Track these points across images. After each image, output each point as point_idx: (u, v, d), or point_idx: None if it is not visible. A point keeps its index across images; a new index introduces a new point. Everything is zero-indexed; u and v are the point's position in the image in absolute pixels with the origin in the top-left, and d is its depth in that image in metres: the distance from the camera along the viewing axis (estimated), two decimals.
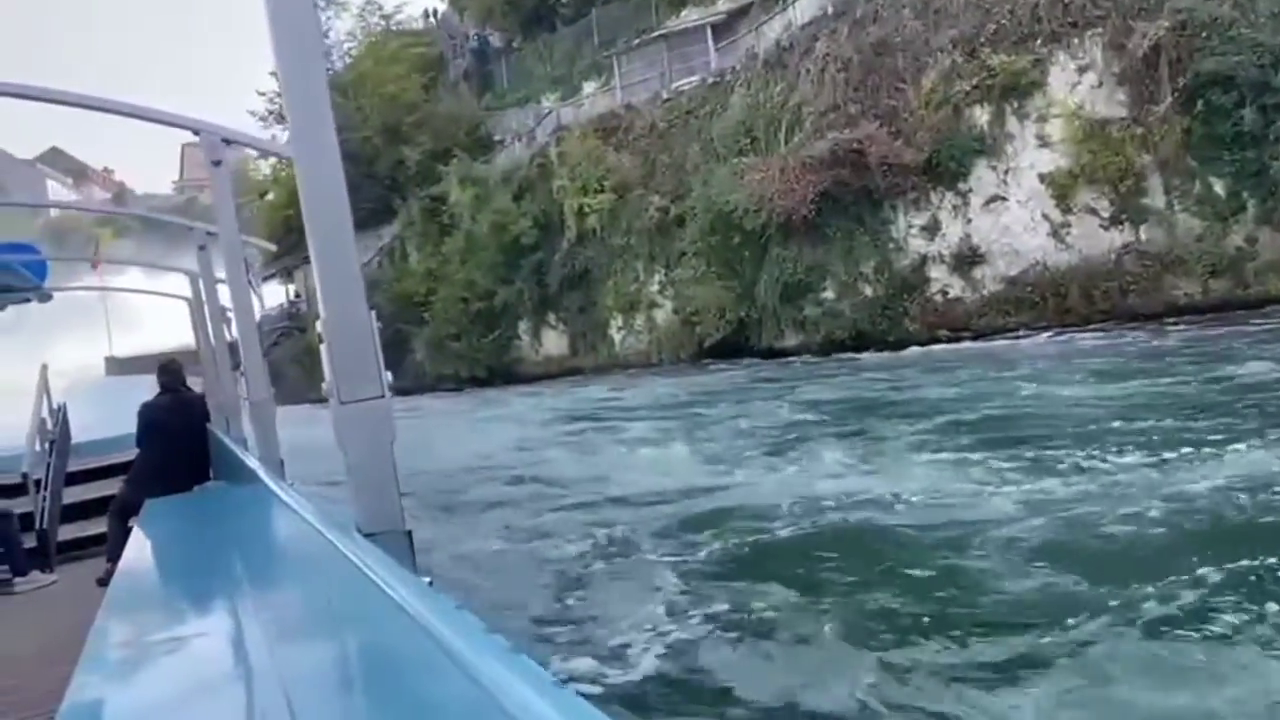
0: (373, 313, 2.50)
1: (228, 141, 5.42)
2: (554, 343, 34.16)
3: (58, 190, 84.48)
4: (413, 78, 42.02)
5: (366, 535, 2.36)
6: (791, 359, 24.45)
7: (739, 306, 26.33)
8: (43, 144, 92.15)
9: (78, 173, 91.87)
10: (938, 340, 22.91)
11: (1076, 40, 23.08)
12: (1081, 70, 23.07)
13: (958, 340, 22.58)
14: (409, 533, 2.48)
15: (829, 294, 25.04)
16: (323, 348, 2.48)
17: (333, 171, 2.44)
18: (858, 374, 20.10)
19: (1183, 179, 22.00)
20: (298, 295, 45.29)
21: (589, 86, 36.09)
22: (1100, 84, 22.87)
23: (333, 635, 1.97)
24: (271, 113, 45.31)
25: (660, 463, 13.06)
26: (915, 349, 22.31)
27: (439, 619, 1.50)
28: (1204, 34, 21.44)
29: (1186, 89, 21.50)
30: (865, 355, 22.88)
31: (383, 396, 2.46)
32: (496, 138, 39.38)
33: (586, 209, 31.57)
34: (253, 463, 5.08)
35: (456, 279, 35.48)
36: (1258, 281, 21.06)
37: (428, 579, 2.20)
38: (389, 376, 2.51)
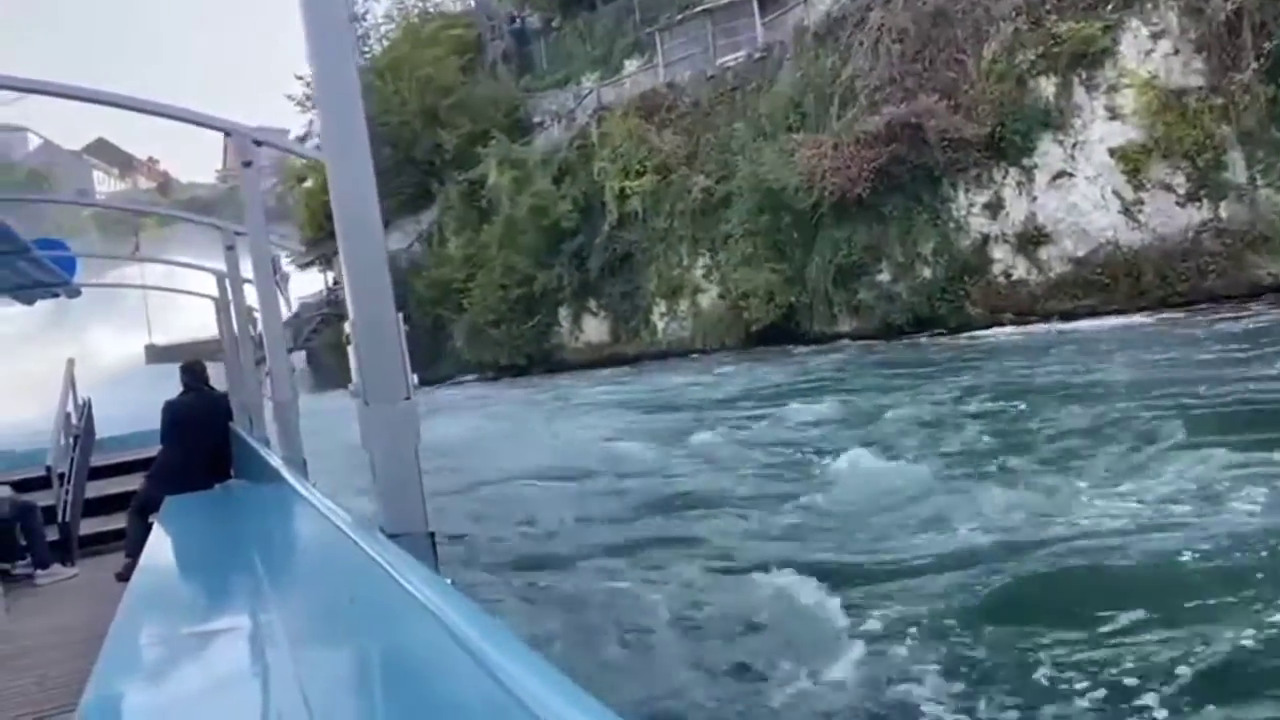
0: (400, 315, 2.49)
1: (259, 143, 5.44)
2: (594, 329, 33.28)
3: (104, 180, 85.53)
4: (450, 60, 41.22)
5: (390, 536, 2.32)
6: (846, 343, 23.34)
7: (789, 290, 25.27)
8: (89, 135, 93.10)
9: (123, 163, 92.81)
10: (1000, 324, 21.72)
11: (1150, 5, 21.69)
12: (1155, 37, 21.68)
13: (1025, 324, 21.35)
14: (432, 534, 2.47)
15: (884, 276, 23.91)
16: (350, 349, 2.49)
17: (364, 174, 2.43)
18: (967, 356, 18.24)
19: (1267, 151, 20.57)
20: (336, 282, 44.76)
21: (630, 65, 35.08)
22: (1176, 51, 21.48)
23: (353, 634, 1.99)
24: (310, 97, 44.82)
25: (896, 480, 9.55)
26: (996, 331, 21.06)
27: (462, 619, 1.48)
28: None
29: (1271, 55, 20.09)
30: (943, 339, 21.57)
31: (409, 398, 2.45)
32: (536, 120, 38.51)
33: (628, 191, 30.61)
34: (275, 462, 5.05)
35: (495, 264, 34.69)
36: None
37: (449, 580, 2.06)
38: (415, 378, 2.49)
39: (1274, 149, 20.52)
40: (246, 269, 6.73)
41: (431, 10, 46.28)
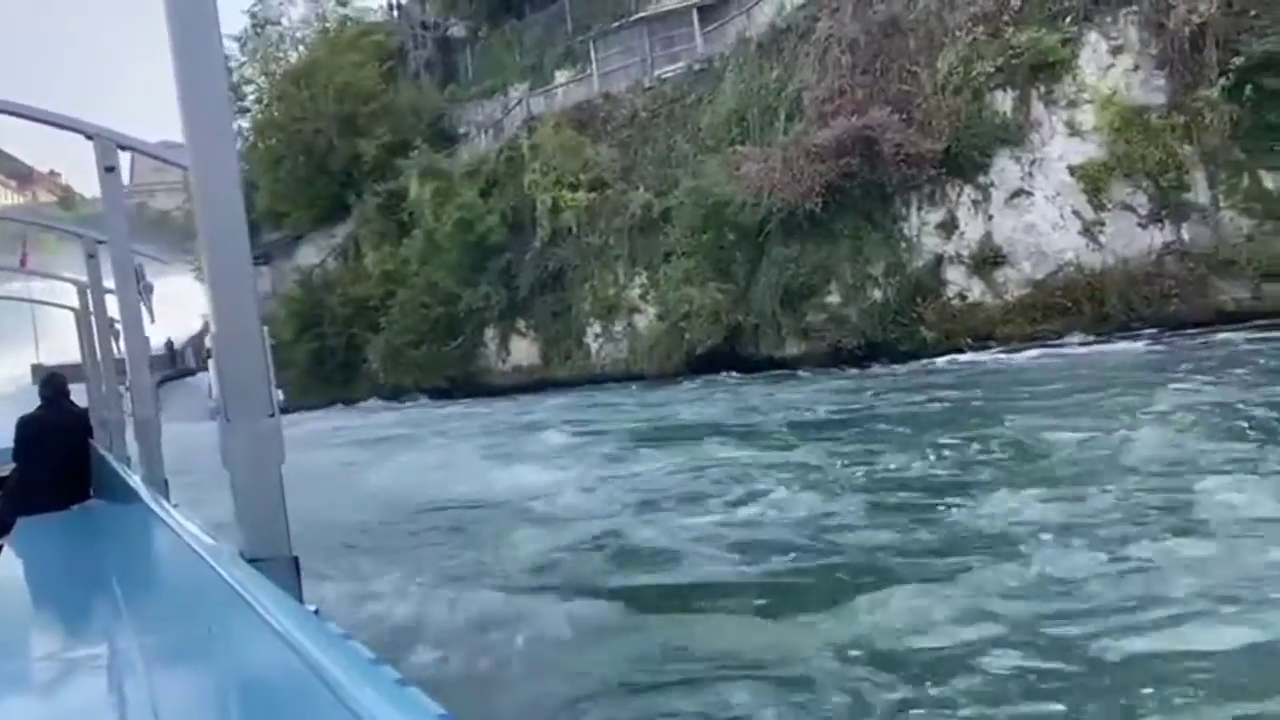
0: (265, 329, 2.39)
1: (122, 148, 5.31)
2: (523, 351, 31.45)
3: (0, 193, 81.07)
4: (369, 67, 39.18)
5: (251, 561, 2.26)
6: (795, 370, 21.92)
7: (734, 312, 23.81)
8: None
9: (23, 176, 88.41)
10: (959, 350, 20.52)
11: (1109, 18, 20.90)
12: (1115, 52, 20.87)
13: (985, 349, 20.19)
14: (295, 559, 2.36)
15: (834, 298, 22.60)
16: (211, 364, 2.43)
17: (230, 180, 2.34)
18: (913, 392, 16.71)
19: (1229, 172, 19.82)
20: None
21: (562, 75, 33.50)
22: (1136, 67, 20.69)
23: (211, 664, 1.96)
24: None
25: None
26: (954, 359, 19.75)
27: (322, 649, 1.43)
28: (1253, 11, 19.40)
29: (1235, 73, 19.39)
30: (897, 367, 20.22)
31: (273, 416, 2.36)
32: (461, 130, 36.71)
33: (562, 205, 28.94)
34: (135, 481, 4.95)
35: (416, 281, 32.66)
36: None
37: (314, 607, 2.05)
38: (280, 395, 2.40)
39: (1237, 170, 19.79)
40: (108, 280, 6.41)
41: (352, 16, 44.10)
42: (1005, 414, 12.14)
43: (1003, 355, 19.28)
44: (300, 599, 2.18)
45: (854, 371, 20.78)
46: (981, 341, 20.50)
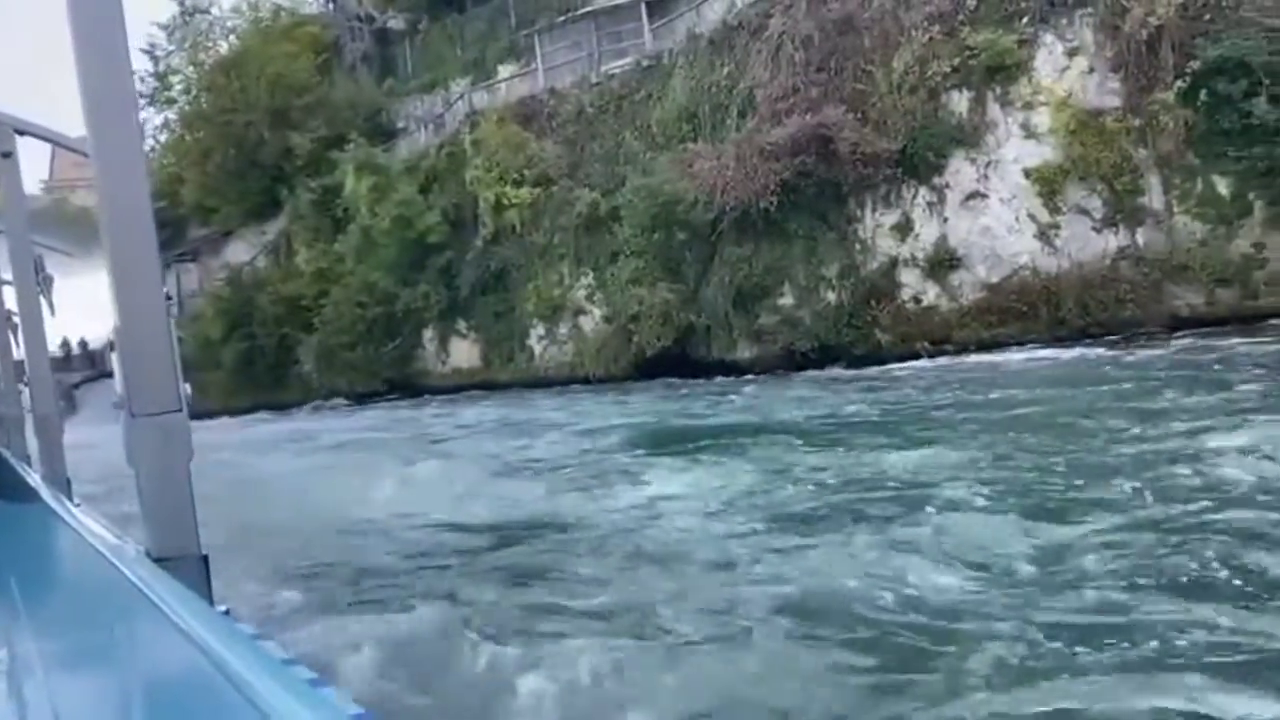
0: (172, 320, 2.33)
1: (20, 132, 5.11)
2: (464, 353, 30.44)
3: None
4: (304, 58, 37.79)
5: (157, 560, 2.20)
6: (751, 375, 21.33)
7: (684, 313, 23.15)
8: None
9: None
10: (915, 355, 20.11)
11: (1065, 20, 20.72)
12: (1071, 54, 20.69)
13: (939, 354, 19.81)
14: (205, 557, 2.27)
15: (787, 300, 22.07)
16: (114, 356, 2.31)
17: (134, 163, 2.27)
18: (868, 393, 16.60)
19: (1183, 177, 19.74)
20: (169, 297, 40.18)
21: (505, 70, 32.56)
22: (1091, 69, 20.52)
23: (115, 667, 1.93)
24: (143, 95, 40.45)
25: None
26: (911, 364, 19.34)
27: (232, 650, 1.41)
28: (1208, 16, 19.34)
29: (1190, 76, 19.29)
30: (846, 371, 19.79)
31: (180, 410, 2.27)
32: (399, 125, 35.54)
33: (505, 202, 28.03)
34: (34, 480, 4.75)
35: (351, 280, 31.44)
36: (1268, 292, 18.89)
37: (224, 608, 2.01)
38: (188, 389, 2.30)
39: (1190, 174, 19.70)
40: (4, 272, 6.11)
41: (285, 6, 42.56)
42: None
43: (973, 358, 18.82)
44: (210, 599, 2.15)
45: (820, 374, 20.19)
46: (938, 345, 20.11)
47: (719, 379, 21.88)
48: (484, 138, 29.27)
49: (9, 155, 4.98)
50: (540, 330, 28.41)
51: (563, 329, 27.94)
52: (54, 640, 2.21)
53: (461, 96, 32.61)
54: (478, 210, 29.19)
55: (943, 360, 19.29)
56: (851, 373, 19.89)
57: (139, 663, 1.87)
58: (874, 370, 19.44)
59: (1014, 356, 18.30)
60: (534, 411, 20.35)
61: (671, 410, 17.83)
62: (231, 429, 25.12)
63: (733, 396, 18.39)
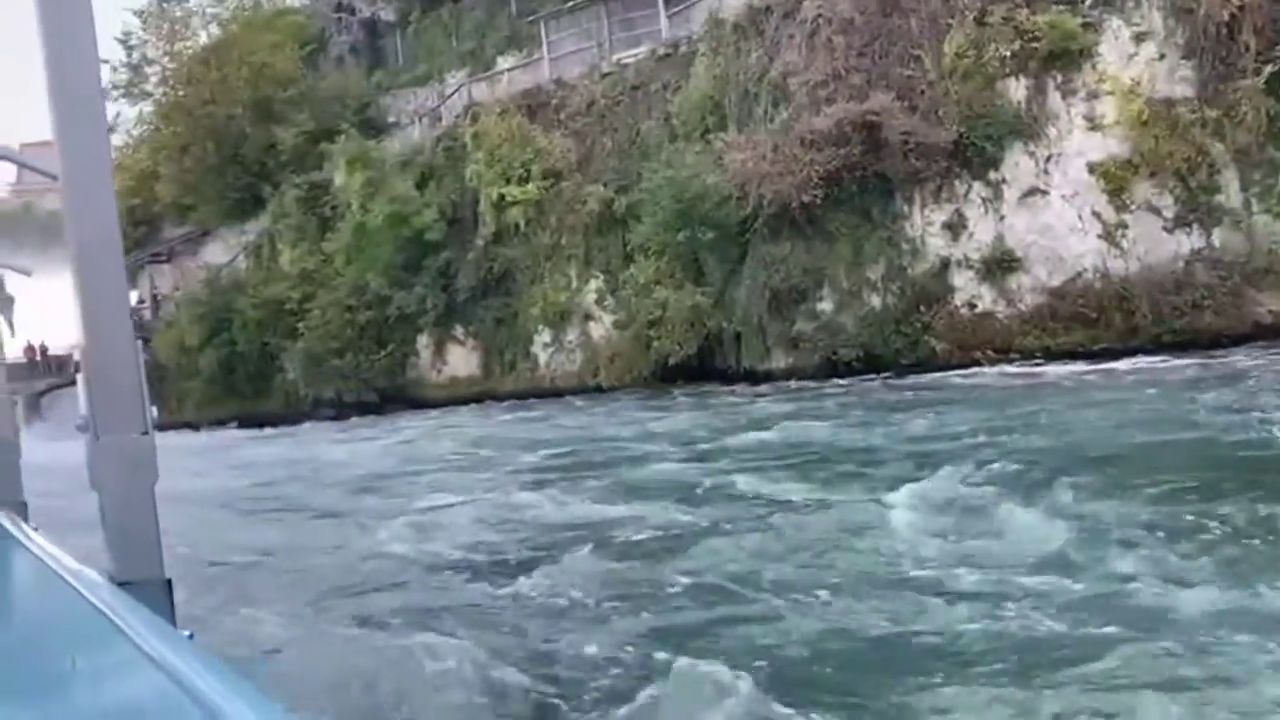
0: (139, 342, 2.30)
1: None
2: (462, 361, 28.37)
3: None
4: (288, 49, 35.69)
5: (120, 584, 2.16)
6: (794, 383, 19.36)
7: (715, 318, 21.24)
8: None
9: None
10: (976, 363, 18.31)
11: (1131, 3, 19.08)
12: (1139, 39, 19.04)
13: (1006, 362, 18.02)
14: (169, 581, 2.25)
15: (826, 304, 20.23)
16: (79, 378, 2.27)
17: (101, 178, 2.25)
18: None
19: (1264, 172, 18.14)
20: (141, 300, 38.04)
21: (506, 61, 30.65)
22: (1161, 56, 18.88)
23: (75, 694, 1.84)
24: (117, 86, 38.13)
25: None
26: (976, 371, 17.49)
27: (198, 675, 1.36)
28: None
29: (1270, 64, 17.70)
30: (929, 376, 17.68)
31: (146, 432, 2.25)
32: (390, 120, 33.47)
33: (509, 199, 26.06)
34: None
35: (340, 282, 29.32)
36: None
37: (188, 632, 1.95)
38: (154, 411, 2.26)
39: (1272, 169, 18.10)
40: None
41: None
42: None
43: (1050, 369, 16.96)
44: (174, 623, 2.08)
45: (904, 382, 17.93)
46: (1001, 355, 18.32)
47: (746, 387, 20.00)
48: (485, 131, 27.29)
49: None
50: (546, 337, 26.42)
51: (570, 336, 25.98)
52: (11, 667, 2.14)
53: (459, 89, 30.63)
54: (478, 208, 27.24)
55: (1011, 369, 17.47)
56: (909, 380, 17.85)
57: (104, 690, 1.79)
58: (933, 378, 17.55)
59: (1096, 367, 16.49)
60: (620, 424, 16.90)
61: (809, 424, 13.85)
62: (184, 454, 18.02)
63: (825, 404, 15.94)
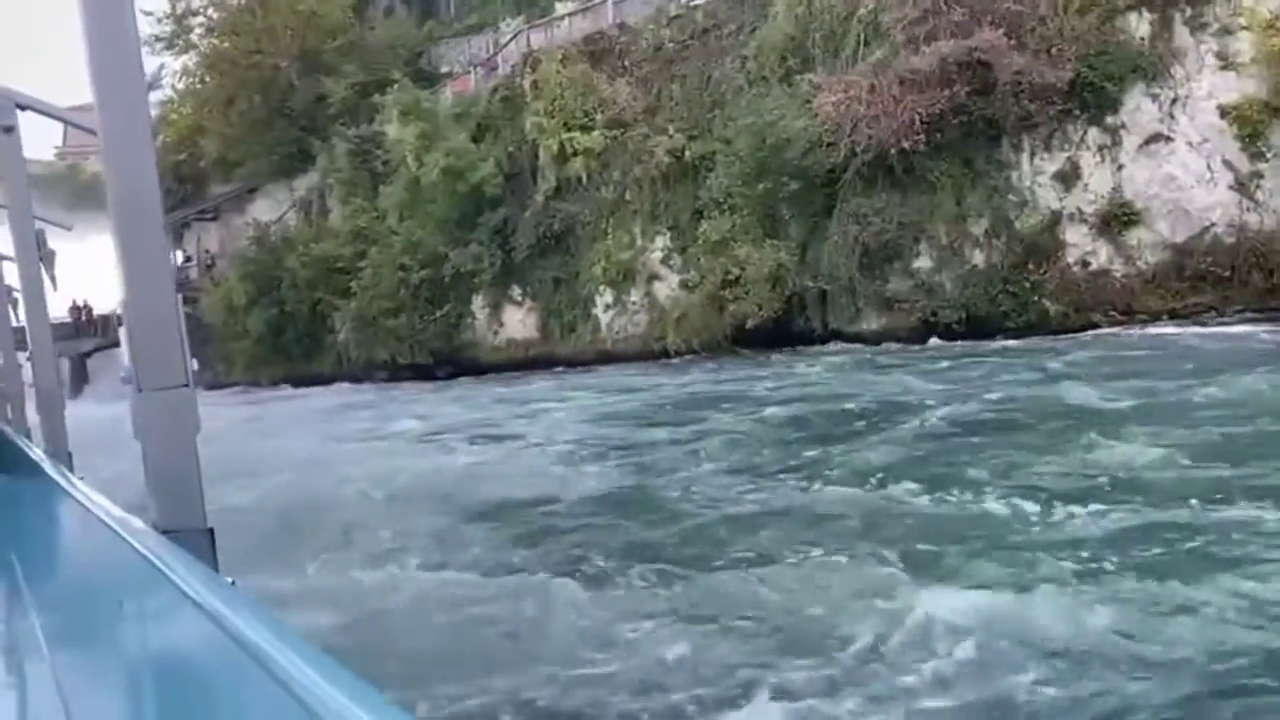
0: (179, 296, 2.29)
1: (21, 107, 5.01)
2: (519, 323, 27.08)
3: None
4: None
5: (164, 533, 2.11)
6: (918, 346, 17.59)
7: (798, 277, 19.72)
8: None
9: None
10: (1093, 325, 16.69)
11: None
12: None
13: (1129, 325, 16.37)
14: (211, 530, 2.21)
15: (924, 261, 18.64)
16: (122, 331, 2.29)
17: (141, 138, 2.22)
18: None
19: None
20: (188, 259, 37.17)
21: (564, 6, 29.02)
22: None
23: (123, 639, 1.93)
24: (160, 39, 37.01)
25: None
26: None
27: (246, 621, 1.33)
28: None
29: None
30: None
31: (187, 385, 2.23)
32: (443, 70, 32.08)
33: (570, 149, 24.60)
34: (36, 454, 4.71)
35: (394, 240, 28.09)
36: None
37: (230, 579, 1.85)
38: (194, 364, 2.27)
39: None
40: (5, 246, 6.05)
41: None
42: None
43: (1165, 330, 15.30)
44: (217, 570, 2.00)
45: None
46: (1125, 316, 16.67)
47: (840, 347, 18.46)
48: (545, 80, 25.80)
49: (10, 130, 4.95)
50: (608, 298, 25.03)
51: (634, 297, 24.58)
52: (58, 614, 2.21)
53: (516, 36, 29.11)
54: (537, 161, 25.82)
55: (1151, 330, 15.72)
56: (1041, 342, 15.91)
57: (150, 635, 1.82)
58: (1085, 337, 15.73)
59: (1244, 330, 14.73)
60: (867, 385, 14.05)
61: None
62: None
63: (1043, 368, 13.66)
